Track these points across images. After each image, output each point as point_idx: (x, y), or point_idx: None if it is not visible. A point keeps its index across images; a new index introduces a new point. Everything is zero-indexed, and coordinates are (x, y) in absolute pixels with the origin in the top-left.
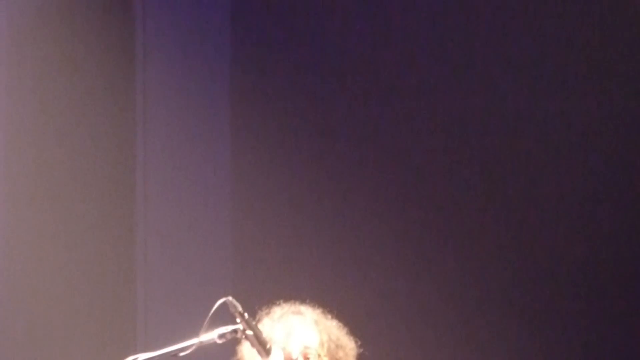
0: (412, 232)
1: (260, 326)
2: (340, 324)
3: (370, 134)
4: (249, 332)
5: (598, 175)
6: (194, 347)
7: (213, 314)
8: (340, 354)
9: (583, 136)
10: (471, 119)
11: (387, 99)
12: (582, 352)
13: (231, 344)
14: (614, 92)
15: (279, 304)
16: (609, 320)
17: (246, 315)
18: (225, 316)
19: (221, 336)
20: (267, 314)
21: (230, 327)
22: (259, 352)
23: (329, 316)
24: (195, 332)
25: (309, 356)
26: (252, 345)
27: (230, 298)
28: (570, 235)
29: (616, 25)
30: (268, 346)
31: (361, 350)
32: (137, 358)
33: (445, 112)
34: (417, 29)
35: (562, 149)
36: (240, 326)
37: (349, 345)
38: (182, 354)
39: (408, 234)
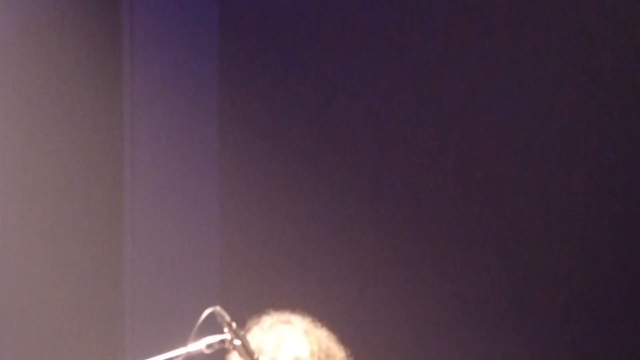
0: (404, 239)
1: (250, 336)
2: (330, 333)
3: (361, 140)
4: (237, 342)
5: (598, 176)
6: (181, 358)
7: (201, 323)
8: None
9: (583, 136)
10: (468, 121)
11: (379, 103)
12: (582, 352)
13: (219, 354)
14: (615, 91)
15: (269, 313)
16: (609, 321)
17: (234, 325)
18: (213, 326)
19: (209, 346)
20: (257, 323)
21: (218, 337)
22: None
23: (319, 325)
24: (182, 342)
25: None
26: (240, 355)
27: (218, 308)
28: (569, 236)
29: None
30: (256, 356)
31: (351, 359)
32: None
33: (439, 114)
34: (410, 31)
35: (561, 150)
36: (227, 336)
37: (339, 355)
38: None
39: (400, 241)
